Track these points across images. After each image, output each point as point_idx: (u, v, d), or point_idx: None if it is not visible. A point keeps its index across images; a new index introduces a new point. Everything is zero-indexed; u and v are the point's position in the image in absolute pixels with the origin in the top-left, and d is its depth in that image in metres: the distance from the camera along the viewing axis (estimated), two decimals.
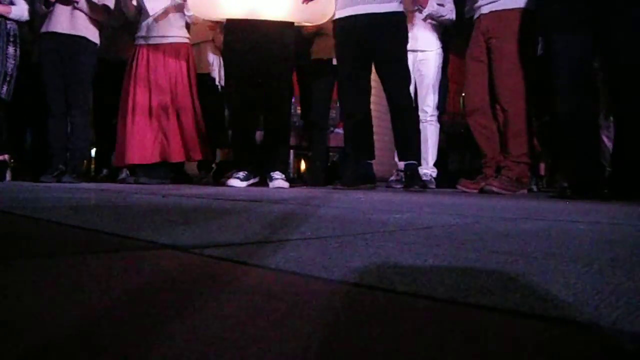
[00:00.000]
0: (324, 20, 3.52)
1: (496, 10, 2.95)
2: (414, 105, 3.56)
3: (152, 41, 3.76)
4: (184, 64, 3.79)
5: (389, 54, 3.21)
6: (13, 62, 3.68)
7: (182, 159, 3.82)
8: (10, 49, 3.66)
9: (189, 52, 3.86)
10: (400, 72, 3.23)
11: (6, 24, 3.64)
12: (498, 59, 2.95)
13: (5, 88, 3.63)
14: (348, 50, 3.26)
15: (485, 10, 3.00)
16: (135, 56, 3.78)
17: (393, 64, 3.22)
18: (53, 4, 3.67)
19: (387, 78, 3.26)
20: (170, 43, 3.77)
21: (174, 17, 3.77)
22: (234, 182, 3.29)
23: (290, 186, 3.36)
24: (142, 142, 3.66)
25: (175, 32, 3.78)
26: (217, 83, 4.29)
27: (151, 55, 3.74)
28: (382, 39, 3.16)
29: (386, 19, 3.15)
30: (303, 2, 3.27)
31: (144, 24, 3.78)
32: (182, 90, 3.76)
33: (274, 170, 3.35)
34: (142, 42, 3.78)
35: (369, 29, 3.15)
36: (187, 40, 3.85)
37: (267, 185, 3.33)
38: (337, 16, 3.28)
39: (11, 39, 3.67)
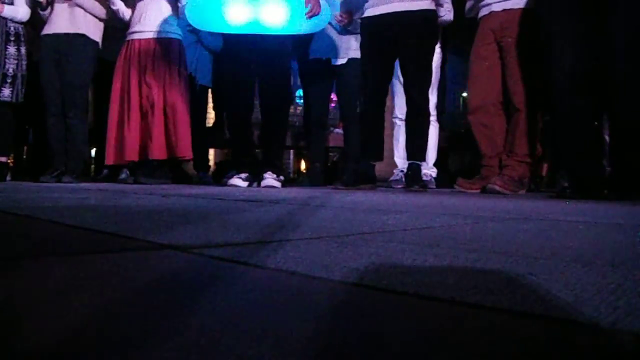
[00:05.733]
0: (318, 30, 3.51)
1: (510, 9, 2.92)
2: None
3: (143, 35, 3.70)
4: (174, 58, 3.71)
5: (416, 53, 3.15)
6: (15, 61, 3.66)
7: (164, 157, 3.66)
8: (11, 49, 3.65)
9: (180, 48, 3.79)
10: (425, 73, 3.18)
11: (6, 24, 3.64)
12: (512, 59, 2.91)
13: (8, 90, 3.61)
14: (374, 48, 3.20)
15: (497, 7, 2.97)
16: (126, 51, 3.72)
17: (418, 63, 3.16)
18: (47, 6, 3.68)
19: (410, 77, 3.20)
20: (161, 37, 3.69)
21: (166, 10, 3.71)
22: (237, 182, 3.29)
23: (282, 186, 3.36)
24: (135, 139, 3.62)
25: (165, 26, 3.70)
26: (196, 82, 4.29)
27: (142, 49, 3.67)
28: (411, 37, 3.10)
29: (418, 17, 3.10)
30: (308, 18, 3.27)
31: (135, 18, 3.73)
32: (171, 87, 3.68)
33: (267, 171, 3.36)
34: (132, 37, 3.73)
35: (398, 27, 3.09)
36: (178, 36, 3.77)
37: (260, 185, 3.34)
38: (367, 14, 3.22)
39: (12, 39, 3.66)
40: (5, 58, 3.62)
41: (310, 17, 3.27)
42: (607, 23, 2.28)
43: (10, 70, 3.64)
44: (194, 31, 4.20)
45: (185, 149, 3.70)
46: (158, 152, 3.63)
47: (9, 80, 3.62)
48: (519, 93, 2.90)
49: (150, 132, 3.61)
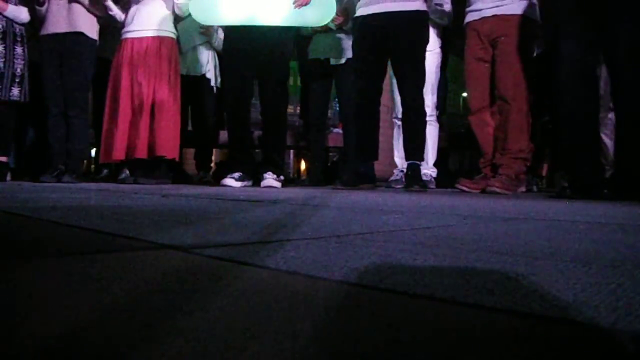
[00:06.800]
0: (322, 24, 3.52)
1: (502, 14, 3.02)
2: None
3: (136, 34, 3.70)
4: (165, 58, 3.70)
5: (407, 53, 3.18)
6: (22, 62, 3.67)
7: (145, 156, 3.64)
8: (18, 49, 3.66)
9: (173, 47, 3.78)
10: (417, 73, 3.20)
11: (12, 24, 3.64)
12: (503, 54, 3.00)
13: (16, 90, 3.61)
14: (365, 47, 3.23)
15: (488, 13, 3.06)
16: (120, 50, 3.74)
17: (410, 63, 3.19)
18: (45, 1, 3.68)
19: (403, 77, 3.23)
20: (153, 36, 3.70)
21: (159, 10, 3.71)
22: (229, 182, 3.28)
23: (282, 186, 3.36)
24: (123, 138, 3.62)
25: (158, 25, 3.70)
26: (212, 84, 4.29)
27: (134, 48, 3.68)
28: (401, 37, 3.13)
29: (408, 17, 3.13)
30: (295, 7, 3.27)
31: (129, 18, 3.73)
32: (161, 85, 3.67)
33: (267, 171, 3.36)
34: (126, 36, 3.74)
35: (389, 27, 3.12)
36: (172, 35, 3.77)
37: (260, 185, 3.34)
38: (359, 14, 3.26)
39: (18, 39, 3.67)
40: (14, 58, 3.63)
41: (299, 6, 3.28)
42: (610, 22, 2.28)
43: (18, 70, 3.64)
44: (206, 33, 4.21)
45: (166, 148, 3.64)
46: (144, 151, 3.61)
47: (17, 80, 3.63)
48: (509, 86, 2.98)
49: (139, 132, 3.61)
